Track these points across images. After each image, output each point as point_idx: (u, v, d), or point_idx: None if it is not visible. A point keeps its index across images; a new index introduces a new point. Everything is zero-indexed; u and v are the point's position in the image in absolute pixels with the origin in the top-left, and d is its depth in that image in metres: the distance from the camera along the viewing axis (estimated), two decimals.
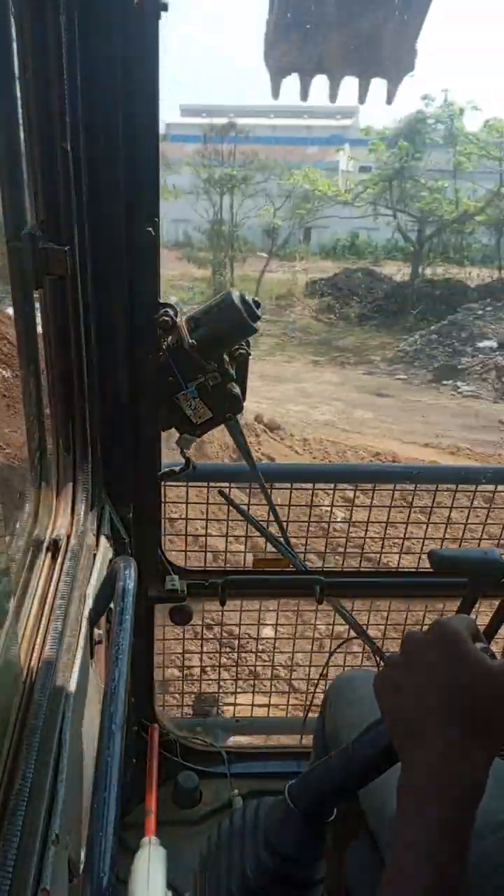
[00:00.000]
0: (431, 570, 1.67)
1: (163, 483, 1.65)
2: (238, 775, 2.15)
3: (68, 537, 1.34)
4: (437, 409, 11.26)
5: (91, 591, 1.25)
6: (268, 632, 2.39)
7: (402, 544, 2.22)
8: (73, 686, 1.02)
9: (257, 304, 1.40)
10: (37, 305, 1.26)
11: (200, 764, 2.16)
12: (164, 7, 1.16)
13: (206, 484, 1.97)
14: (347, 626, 1.98)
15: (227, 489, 1.90)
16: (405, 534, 2.17)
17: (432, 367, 13.58)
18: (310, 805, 0.78)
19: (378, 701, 0.74)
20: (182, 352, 1.38)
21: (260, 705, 2.48)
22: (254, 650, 2.53)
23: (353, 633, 2.01)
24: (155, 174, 1.30)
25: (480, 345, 14.18)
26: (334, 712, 1.40)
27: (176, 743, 2.13)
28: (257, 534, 1.92)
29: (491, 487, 2.22)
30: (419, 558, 2.05)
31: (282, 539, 1.84)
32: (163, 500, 1.72)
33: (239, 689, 2.58)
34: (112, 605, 1.12)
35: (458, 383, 12.83)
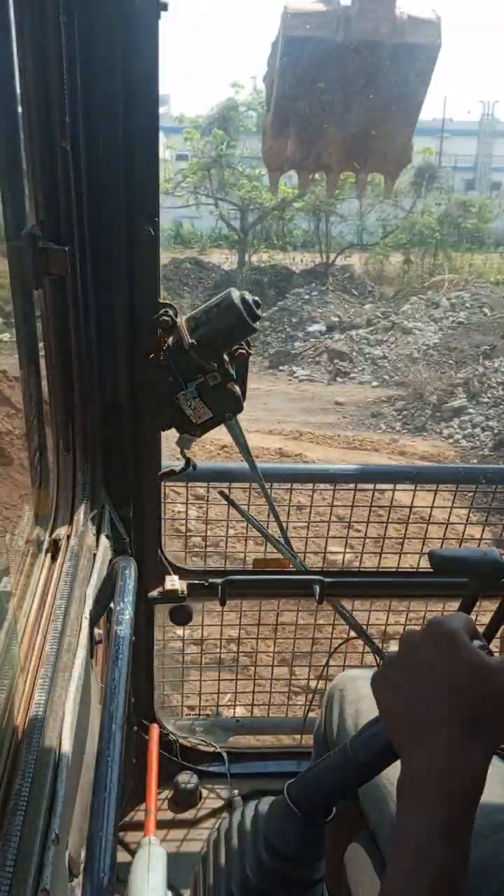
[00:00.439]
0: (431, 570, 1.67)
1: (163, 483, 1.65)
2: (238, 775, 2.15)
3: (68, 537, 1.34)
4: (276, 395, 11.14)
5: (91, 591, 1.25)
6: (268, 632, 2.39)
7: (402, 544, 2.22)
8: (73, 686, 1.02)
9: (258, 304, 1.39)
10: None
11: (200, 764, 2.16)
12: (164, 7, 1.16)
13: (206, 484, 1.97)
14: (347, 626, 1.98)
15: (227, 489, 1.90)
16: (405, 534, 2.17)
17: (267, 353, 13.52)
18: (309, 805, 0.78)
19: (376, 700, 0.74)
20: (182, 352, 1.38)
21: (260, 705, 2.48)
22: (254, 650, 2.53)
23: (353, 633, 2.01)
24: (155, 174, 1.30)
25: (310, 329, 14.23)
26: (334, 712, 1.40)
27: (176, 743, 2.13)
28: (257, 534, 1.92)
29: (491, 488, 2.22)
30: (419, 558, 2.05)
31: (282, 539, 1.84)
32: (163, 500, 1.72)
33: (239, 689, 2.57)
34: (112, 605, 1.12)
35: (294, 368, 12.88)
